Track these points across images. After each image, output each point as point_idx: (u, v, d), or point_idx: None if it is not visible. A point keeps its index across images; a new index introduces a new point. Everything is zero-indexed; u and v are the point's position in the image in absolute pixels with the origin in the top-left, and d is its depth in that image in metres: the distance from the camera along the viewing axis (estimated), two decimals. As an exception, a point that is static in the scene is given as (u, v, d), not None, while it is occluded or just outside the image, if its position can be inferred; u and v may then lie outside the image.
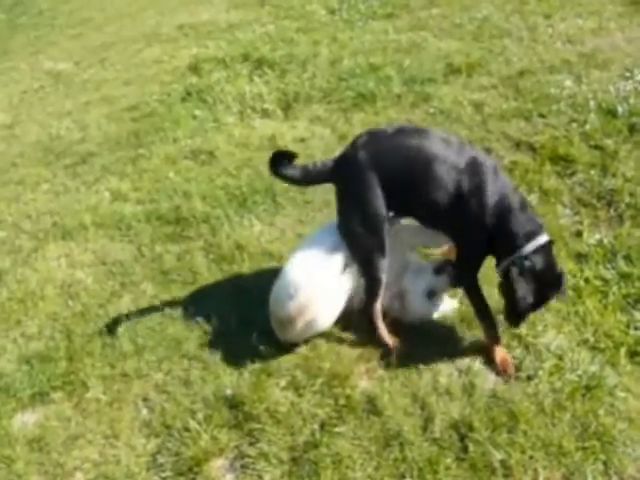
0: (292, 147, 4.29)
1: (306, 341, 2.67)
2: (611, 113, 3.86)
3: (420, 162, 2.48)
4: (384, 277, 2.57)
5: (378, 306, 2.62)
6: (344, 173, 2.60)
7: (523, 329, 2.60)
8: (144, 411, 2.55)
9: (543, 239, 2.42)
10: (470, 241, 2.53)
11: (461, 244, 2.59)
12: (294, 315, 2.55)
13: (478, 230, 2.45)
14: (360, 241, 2.57)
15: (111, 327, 2.97)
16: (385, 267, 2.56)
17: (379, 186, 2.51)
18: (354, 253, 2.61)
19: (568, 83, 4.26)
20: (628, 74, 4.21)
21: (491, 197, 2.41)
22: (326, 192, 3.64)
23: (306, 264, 2.64)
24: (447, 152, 2.48)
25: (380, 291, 2.60)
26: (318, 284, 2.58)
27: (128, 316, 3.03)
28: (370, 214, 2.53)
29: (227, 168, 4.16)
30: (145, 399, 2.61)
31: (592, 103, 3.96)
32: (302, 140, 4.37)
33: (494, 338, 2.54)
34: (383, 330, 2.63)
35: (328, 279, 2.61)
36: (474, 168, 2.45)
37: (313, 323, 2.59)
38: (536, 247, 2.39)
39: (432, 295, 2.71)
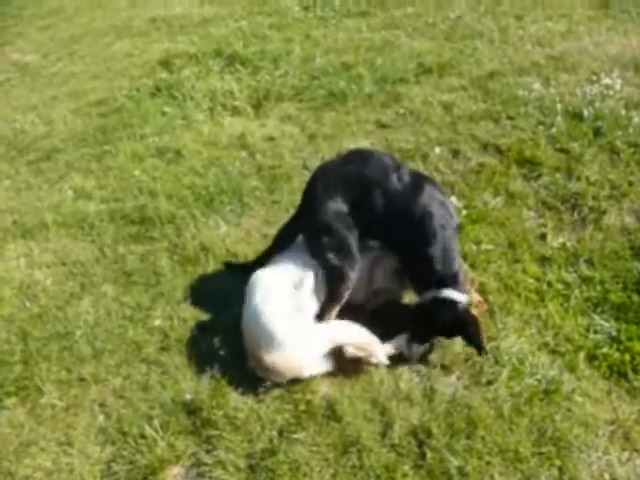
0: (261, 146, 4.26)
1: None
2: (577, 116, 3.89)
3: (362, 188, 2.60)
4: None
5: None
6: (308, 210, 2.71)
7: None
8: (100, 417, 2.49)
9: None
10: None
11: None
12: (267, 363, 2.43)
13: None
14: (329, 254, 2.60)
15: (69, 330, 2.90)
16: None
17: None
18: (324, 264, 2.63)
19: (536, 86, 4.28)
20: (595, 78, 4.25)
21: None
22: (293, 192, 3.63)
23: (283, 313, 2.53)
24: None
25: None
26: (290, 329, 2.47)
27: (87, 319, 2.96)
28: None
29: (194, 167, 4.10)
30: (102, 405, 2.55)
31: (559, 106, 3.98)
32: (271, 139, 4.33)
33: None
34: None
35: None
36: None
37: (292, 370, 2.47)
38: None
39: None
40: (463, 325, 2.45)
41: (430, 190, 2.60)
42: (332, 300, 2.64)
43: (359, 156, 2.77)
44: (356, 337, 2.52)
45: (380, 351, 2.51)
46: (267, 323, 2.46)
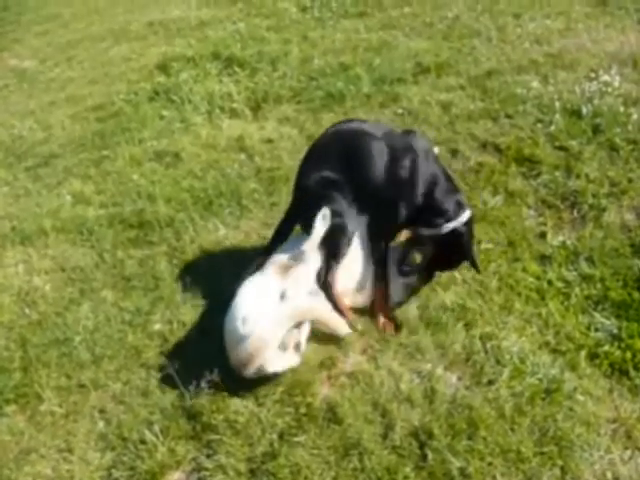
0: (260, 148, 4.25)
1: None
2: (576, 114, 3.88)
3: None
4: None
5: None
6: None
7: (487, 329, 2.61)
8: (100, 423, 2.48)
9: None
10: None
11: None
12: (248, 360, 2.41)
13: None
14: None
15: (68, 336, 2.89)
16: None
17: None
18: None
19: (535, 84, 4.27)
20: (593, 75, 4.23)
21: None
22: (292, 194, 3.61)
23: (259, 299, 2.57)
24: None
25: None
26: (271, 322, 2.46)
27: (86, 324, 2.95)
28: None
29: (193, 170, 4.09)
30: (102, 411, 2.54)
31: (557, 104, 3.97)
32: (270, 141, 4.33)
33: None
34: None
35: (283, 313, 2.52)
36: None
37: (271, 365, 2.46)
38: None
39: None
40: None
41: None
42: (333, 257, 2.69)
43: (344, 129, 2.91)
44: (317, 313, 2.58)
45: (342, 326, 2.62)
46: (235, 306, 2.53)
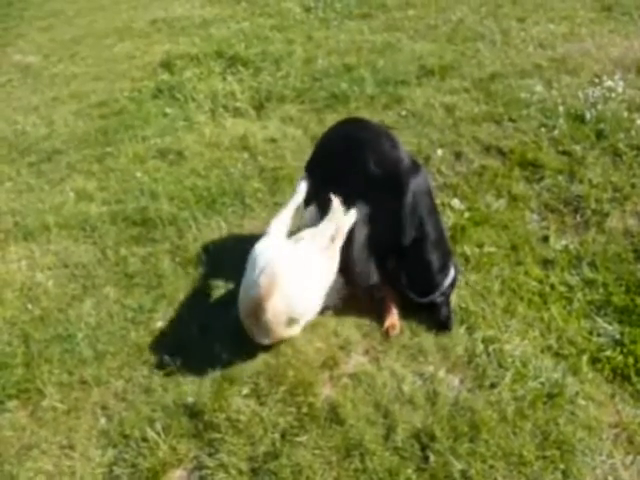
0: (263, 147, 4.25)
1: (270, 347, 2.62)
2: (579, 119, 3.89)
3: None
4: None
5: None
6: None
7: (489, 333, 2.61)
8: (102, 420, 2.48)
9: None
10: None
11: None
12: (264, 295, 2.44)
13: None
14: None
15: (71, 332, 2.89)
16: None
17: None
18: None
19: (538, 88, 4.28)
20: (597, 80, 4.24)
21: None
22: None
23: (272, 244, 2.67)
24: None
25: None
26: (286, 257, 2.57)
27: (89, 321, 2.95)
28: None
29: (196, 168, 4.09)
30: (104, 407, 2.54)
31: (561, 108, 3.98)
32: (273, 140, 4.33)
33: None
34: None
35: (297, 253, 2.61)
36: None
37: (288, 306, 2.48)
38: None
39: None
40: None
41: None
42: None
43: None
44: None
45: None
46: (257, 257, 2.61)
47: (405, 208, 2.65)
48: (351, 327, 2.73)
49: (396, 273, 2.76)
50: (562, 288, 2.86)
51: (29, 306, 3.11)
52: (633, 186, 3.35)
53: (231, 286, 3.01)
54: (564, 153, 3.66)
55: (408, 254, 2.71)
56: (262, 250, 2.66)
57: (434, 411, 2.33)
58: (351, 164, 2.77)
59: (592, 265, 2.95)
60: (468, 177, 3.61)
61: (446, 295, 2.72)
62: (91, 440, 2.41)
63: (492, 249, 3.08)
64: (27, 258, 3.49)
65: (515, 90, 4.35)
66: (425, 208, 2.69)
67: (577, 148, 3.65)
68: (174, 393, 2.52)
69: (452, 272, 2.73)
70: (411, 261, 2.71)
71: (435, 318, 2.70)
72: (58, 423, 2.50)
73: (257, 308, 2.47)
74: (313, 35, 6.13)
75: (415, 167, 2.76)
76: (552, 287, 2.87)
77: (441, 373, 2.49)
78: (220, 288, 3.04)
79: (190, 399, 2.46)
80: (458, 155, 3.82)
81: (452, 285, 2.75)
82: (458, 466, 2.13)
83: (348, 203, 2.76)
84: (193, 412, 2.43)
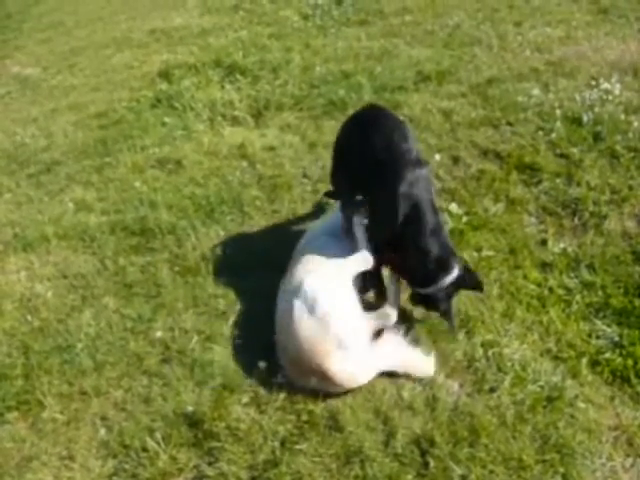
0: (261, 155, 4.27)
1: (269, 356, 2.62)
2: (576, 122, 3.89)
3: None
4: None
5: None
6: None
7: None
8: (102, 431, 2.49)
9: None
10: None
11: None
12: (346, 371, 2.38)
13: None
14: None
15: (70, 343, 2.90)
16: None
17: None
18: None
19: (535, 91, 4.29)
20: (594, 83, 4.25)
21: None
22: (294, 202, 3.64)
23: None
24: None
25: None
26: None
27: (88, 331, 2.96)
28: None
29: (195, 177, 4.10)
30: (103, 418, 2.55)
31: (558, 112, 3.98)
32: (271, 148, 4.34)
33: None
34: None
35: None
36: None
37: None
38: None
39: None
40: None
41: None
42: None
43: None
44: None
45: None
46: (330, 321, 2.42)
47: (399, 196, 2.60)
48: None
49: (397, 261, 2.75)
50: (561, 291, 2.85)
51: (28, 317, 3.12)
52: (631, 188, 3.35)
53: (230, 295, 3.02)
54: (562, 156, 3.66)
55: (406, 244, 2.65)
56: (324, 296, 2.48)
57: (434, 416, 2.32)
58: (360, 149, 2.78)
59: (590, 267, 2.94)
60: (466, 181, 3.62)
61: (447, 293, 2.65)
62: (91, 451, 2.42)
63: (490, 253, 3.08)
64: (26, 269, 3.50)
65: (512, 94, 4.36)
66: (423, 201, 2.63)
67: (574, 151, 3.65)
68: (174, 402, 2.52)
69: (456, 272, 2.66)
70: (409, 251, 2.65)
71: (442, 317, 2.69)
72: (58, 434, 2.50)
73: (307, 370, 2.42)
74: (311, 43, 6.15)
75: (419, 161, 2.73)
76: (551, 290, 2.86)
77: (440, 378, 2.49)
78: (219, 297, 3.04)
79: (190, 408, 2.46)
80: (456, 160, 3.82)
81: (456, 285, 2.66)
82: (458, 471, 2.12)
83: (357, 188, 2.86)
84: (193, 421, 2.43)
